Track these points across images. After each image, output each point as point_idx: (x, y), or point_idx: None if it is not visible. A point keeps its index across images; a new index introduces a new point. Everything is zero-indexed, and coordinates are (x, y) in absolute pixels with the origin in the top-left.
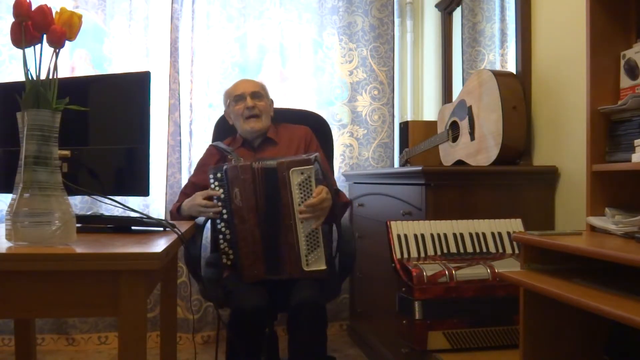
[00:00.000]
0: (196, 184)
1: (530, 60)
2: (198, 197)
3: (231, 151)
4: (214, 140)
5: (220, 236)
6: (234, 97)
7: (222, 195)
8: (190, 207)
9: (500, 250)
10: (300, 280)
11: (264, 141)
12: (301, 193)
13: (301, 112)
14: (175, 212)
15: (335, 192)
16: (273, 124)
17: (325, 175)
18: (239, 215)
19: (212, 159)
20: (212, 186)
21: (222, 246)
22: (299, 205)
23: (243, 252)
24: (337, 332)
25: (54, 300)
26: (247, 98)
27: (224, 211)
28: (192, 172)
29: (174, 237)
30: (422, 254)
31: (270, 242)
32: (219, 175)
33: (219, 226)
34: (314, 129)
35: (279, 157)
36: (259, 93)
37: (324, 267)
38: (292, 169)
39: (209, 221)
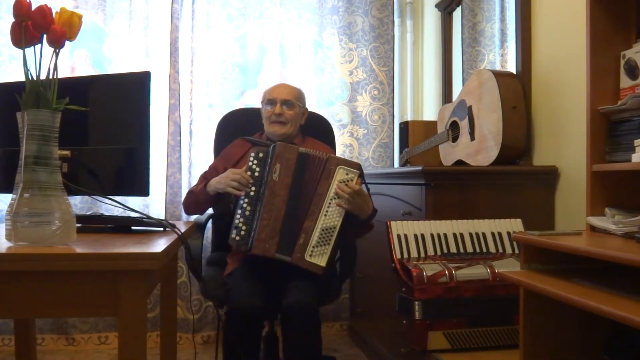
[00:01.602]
0: (218, 169)
1: (530, 60)
2: (230, 172)
3: (268, 142)
4: (216, 139)
5: (239, 211)
6: (267, 100)
7: (257, 174)
8: (219, 181)
9: (500, 250)
10: (295, 280)
11: None
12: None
13: None
14: (201, 189)
15: (375, 211)
16: (301, 135)
17: (369, 191)
18: (271, 190)
19: (241, 150)
20: (250, 164)
21: (236, 221)
22: (332, 199)
23: (263, 224)
24: (337, 332)
25: (54, 300)
26: (278, 104)
27: (253, 189)
28: (192, 172)
29: (174, 237)
30: (422, 254)
31: (291, 223)
32: (260, 155)
33: (241, 201)
34: (315, 129)
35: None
36: (290, 102)
37: (323, 264)
38: (340, 166)
39: (210, 220)
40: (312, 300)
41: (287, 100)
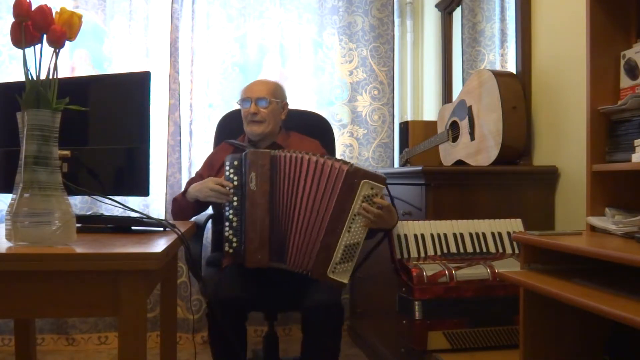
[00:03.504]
0: (204, 176)
1: (530, 60)
2: (210, 181)
3: (247, 145)
4: (215, 140)
5: (227, 223)
6: (242, 98)
7: (236, 183)
8: (199, 189)
9: (500, 250)
10: (315, 281)
11: (271, 146)
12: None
13: (302, 113)
14: (181, 197)
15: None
16: (285, 130)
17: (394, 202)
18: (251, 200)
19: (225, 155)
20: (227, 173)
21: (226, 234)
22: (355, 215)
23: (249, 236)
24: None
25: (54, 300)
26: (252, 104)
27: (235, 198)
28: (192, 172)
29: (174, 237)
30: (422, 254)
31: (279, 228)
32: (235, 163)
33: (227, 213)
34: (316, 130)
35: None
36: (266, 99)
37: (345, 281)
38: (365, 180)
39: (210, 220)
40: (339, 298)
41: (262, 97)
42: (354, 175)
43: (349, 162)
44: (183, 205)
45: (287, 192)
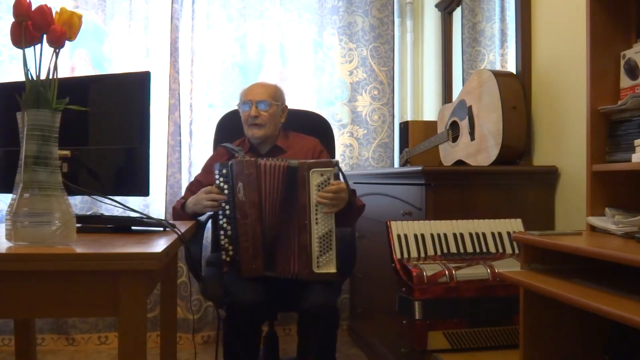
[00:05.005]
0: (202, 182)
1: (530, 60)
2: (203, 198)
3: (238, 150)
4: (215, 140)
5: (222, 232)
6: (242, 101)
7: (226, 192)
8: (195, 203)
9: (500, 250)
10: (312, 282)
11: (273, 149)
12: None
13: (302, 113)
14: (180, 209)
15: (353, 191)
16: (283, 131)
17: (346, 179)
18: (241, 210)
19: (221, 159)
20: (217, 182)
21: (222, 242)
22: (317, 206)
23: (243, 246)
24: (338, 332)
25: (54, 300)
26: (253, 107)
27: (227, 207)
28: (192, 172)
29: (174, 237)
30: (422, 254)
31: (273, 239)
32: (224, 171)
33: (220, 222)
34: (315, 130)
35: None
36: (266, 102)
37: (333, 270)
38: (312, 170)
39: (210, 220)
40: (335, 300)
41: (263, 100)
42: (302, 169)
43: (304, 161)
44: (183, 218)
45: (271, 200)
